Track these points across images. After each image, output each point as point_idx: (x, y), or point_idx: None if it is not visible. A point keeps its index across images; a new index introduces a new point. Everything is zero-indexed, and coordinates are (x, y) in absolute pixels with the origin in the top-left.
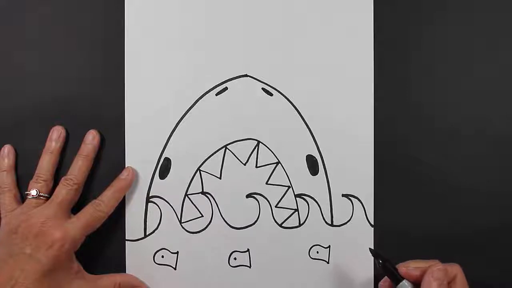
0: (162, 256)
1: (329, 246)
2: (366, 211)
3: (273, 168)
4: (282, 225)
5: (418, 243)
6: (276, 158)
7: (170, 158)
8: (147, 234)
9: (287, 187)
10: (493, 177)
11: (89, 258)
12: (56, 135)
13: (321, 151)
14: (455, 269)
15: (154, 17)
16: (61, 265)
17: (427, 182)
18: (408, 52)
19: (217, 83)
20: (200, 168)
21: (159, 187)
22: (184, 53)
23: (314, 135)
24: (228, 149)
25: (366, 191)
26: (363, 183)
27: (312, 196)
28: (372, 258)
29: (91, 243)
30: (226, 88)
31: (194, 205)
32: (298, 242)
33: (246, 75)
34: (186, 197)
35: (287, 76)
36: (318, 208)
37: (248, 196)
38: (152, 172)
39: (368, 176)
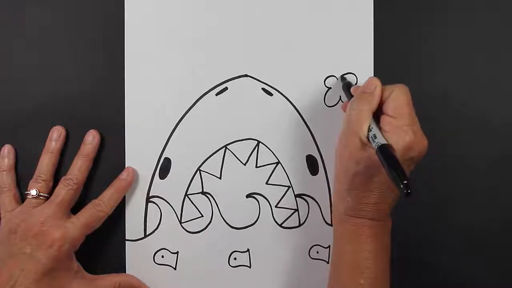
0: (162, 256)
1: (329, 246)
2: None
3: (273, 168)
4: (282, 225)
5: (417, 242)
6: (276, 158)
7: (170, 158)
8: (147, 234)
9: (287, 187)
10: (493, 177)
11: (89, 258)
12: (56, 135)
13: (321, 151)
14: (394, 87)
15: (154, 17)
16: (61, 265)
17: (426, 182)
18: (408, 52)
19: (217, 83)
20: (200, 168)
21: (159, 187)
22: (184, 53)
23: (314, 135)
24: (228, 149)
25: None
26: None
27: (312, 196)
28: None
29: (91, 243)
30: (226, 88)
31: (194, 205)
32: (298, 242)
33: (246, 75)
34: (186, 197)
35: (287, 76)
36: (318, 208)
37: (248, 196)
38: (152, 172)
39: None
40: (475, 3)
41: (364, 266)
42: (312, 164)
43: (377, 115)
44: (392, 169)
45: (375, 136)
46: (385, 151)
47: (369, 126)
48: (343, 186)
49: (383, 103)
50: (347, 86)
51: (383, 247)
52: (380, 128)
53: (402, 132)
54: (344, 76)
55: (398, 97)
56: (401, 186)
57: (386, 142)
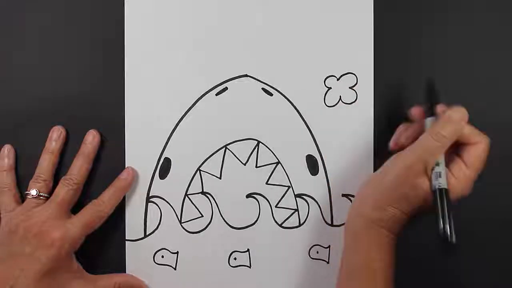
0: (162, 256)
1: (329, 246)
2: None
3: (273, 168)
4: (282, 225)
5: (417, 242)
6: (276, 158)
7: (170, 158)
8: (147, 234)
9: (287, 187)
10: (492, 177)
11: (89, 258)
12: (56, 135)
13: (321, 151)
14: (482, 138)
15: (154, 17)
16: (61, 265)
17: None
18: (408, 52)
19: (217, 83)
20: (200, 168)
21: (159, 187)
22: (184, 53)
23: (314, 135)
24: (228, 149)
25: None
26: None
27: (312, 196)
28: None
29: (91, 243)
30: (226, 88)
31: (194, 205)
32: (298, 242)
33: (246, 75)
34: (186, 197)
35: (287, 76)
36: (318, 208)
37: (248, 196)
38: (152, 172)
39: (368, 176)
40: (475, 3)
41: (379, 275)
42: (312, 164)
43: (449, 151)
44: (443, 216)
45: (439, 175)
46: (443, 195)
47: (438, 160)
48: (387, 199)
49: (464, 146)
50: (430, 92)
51: (392, 258)
52: (447, 169)
53: (468, 184)
54: (432, 78)
55: (481, 150)
56: (444, 233)
57: (447, 187)
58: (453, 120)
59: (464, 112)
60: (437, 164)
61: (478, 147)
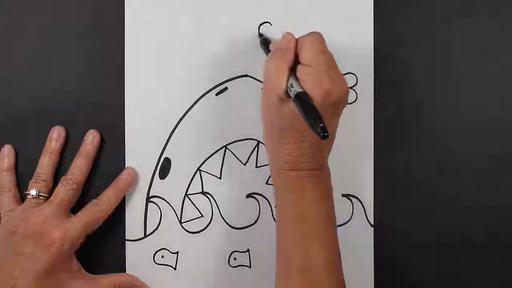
0: (162, 256)
1: None
2: (366, 211)
3: None
4: None
5: (418, 243)
6: None
7: (170, 158)
8: (147, 234)
9: None
10: (493, 176)
11: (89, 258)
12: (56, 135)
13: None
14: (306, 36)
15: (154, 17)
16: (61, 265)
17: (427, 182)
18: (408, 52)
19: (217, 83)
20: (200, 168)
21: (159, 187)
22: (184, 53)
23: None
24: (228, 149)
25: (366, 191)
26: (363, 183)
27: None
28: (372, 257)
29: (91, 243)
30: (226, 88)
31: (194, 205)
32: None
33: (246, 75)
34: (186, 197)
35: None
36: None
37: (248, 196)
38: (152, 172)
39: (368, 176)
40: (475, 3)
41: (308, 214)
42: None
43: (296, 67)
44: (307, 115)
45: (292, 86)
46: (300, 98)
47: (288, 80)
48: (275, 143)
49: (298, 54)
50: (264, 42)
51: (325, 195)
52: (297, 79)
53: (318, 79)
54: (261, 33)
55: (311, 45)
56: (318, 130)
57: (301, 90)
58: (279, 45)
59: (285, 35)
60: (289, 83)
61: (306, 45)
